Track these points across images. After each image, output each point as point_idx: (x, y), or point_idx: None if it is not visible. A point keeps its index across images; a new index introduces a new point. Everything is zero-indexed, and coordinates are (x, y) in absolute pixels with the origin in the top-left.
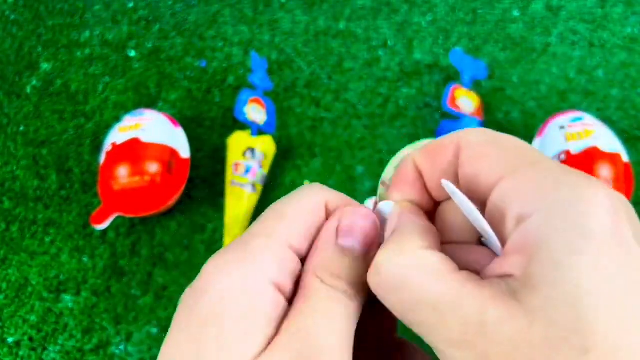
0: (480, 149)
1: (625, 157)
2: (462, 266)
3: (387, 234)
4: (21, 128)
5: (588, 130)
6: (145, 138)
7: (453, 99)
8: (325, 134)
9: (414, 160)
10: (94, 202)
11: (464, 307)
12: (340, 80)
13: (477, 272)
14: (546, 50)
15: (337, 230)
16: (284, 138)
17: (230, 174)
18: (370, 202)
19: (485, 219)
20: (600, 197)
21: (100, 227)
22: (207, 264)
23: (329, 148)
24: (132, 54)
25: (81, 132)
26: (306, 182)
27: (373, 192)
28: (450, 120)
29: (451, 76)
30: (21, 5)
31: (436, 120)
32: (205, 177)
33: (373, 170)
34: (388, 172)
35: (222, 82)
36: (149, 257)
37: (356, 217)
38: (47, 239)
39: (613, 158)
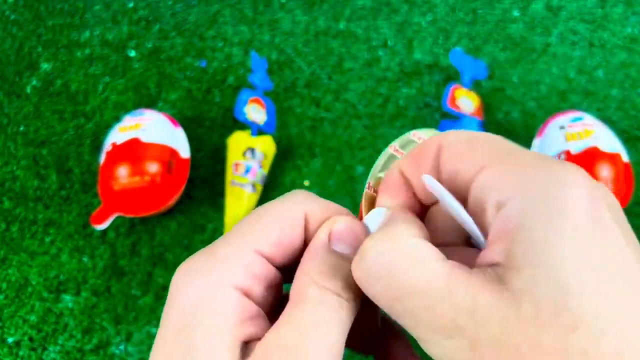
0: (458, 147)
1: (625, 157)
2: None
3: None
4: (21, 128)
5: (588, 130)
6: (145, 138)
7: (453, 99)
8: (325, 134)
9: (399, 167)
10: (94, 202)
11: (454, 295)
12: (340, 80)
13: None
14: (546, 50)
15: (329, 236)
16: (284, 138)
17: (230, 174)
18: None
19: (468, 213)
20: (575, 178)
21: (100, 227)
22: (175, 273)
23: (329, 148)
24: (132, 54)
25: (81, 132)
26: (306, 183)
27: (366, 181)
28: (450, 120)
29: (451, 76)
30: (21, 5)
31: (436, 120)
32: (205, 177)
33: None
34: (375, 171)
35: (222, 82)
36: (149, 257)
37: (348, 224)
38: (47, 239)
39: (613, 158)
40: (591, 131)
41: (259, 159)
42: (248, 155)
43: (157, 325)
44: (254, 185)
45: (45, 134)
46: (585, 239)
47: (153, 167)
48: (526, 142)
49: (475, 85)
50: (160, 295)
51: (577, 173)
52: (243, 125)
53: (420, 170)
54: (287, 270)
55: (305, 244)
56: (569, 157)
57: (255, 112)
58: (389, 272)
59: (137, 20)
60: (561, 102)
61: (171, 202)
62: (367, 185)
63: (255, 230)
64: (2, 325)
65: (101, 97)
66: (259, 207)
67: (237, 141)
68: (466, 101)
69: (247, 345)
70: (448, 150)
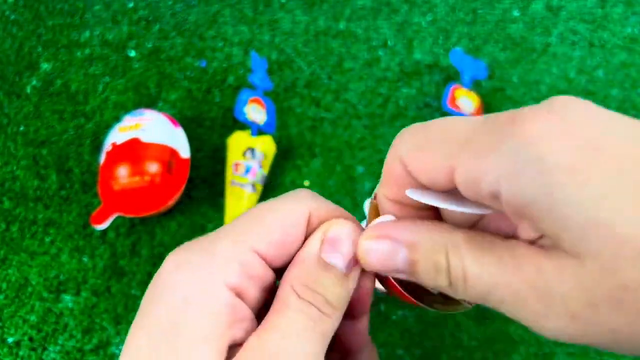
0: (418, 157)
1: None
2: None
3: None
4: (21, 128)
5: None
6: (145, 138)
7: (453, 99)
8: (325, 134)
9: (384, 195)
10: (94, 202)
11: (525, 273)
12: (340, 80)
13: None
14: (546, 50)
15: (321, 242)
16: (284, 138)
17: (230, 174)
18: (367, 203)
19: (466, 201)
20: (532, 125)
21: (100, 227)
22: (169, 259)
23: (329, 148)
24: (132, 54)
25: (81, 132)
26: (306, 183)
27: (373, 192)
28: None
29: (451, 76)
30: (21, 5)
31: None
32: (205, 177)
33: (373, 170)
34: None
35: (222, 82)
36: (149, 257)
37: (343, 230)
38: (47, 239)
39: None
40: None
41: (259, 159)
42: (248, 155)
43: None
44: (254, 185)
45: (45, 134)
46: (583, 175)
47: (153, 167)
48: None
49: (475, 85)
50: None
51: (533, 120)
52: (243, 125)
53: (399, 189)
54: (282, 270)
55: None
56: None
57: (255, 112)
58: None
59: (137, 20)
60: None
61: (171, 202)
62: (373, 196)
63: (256, 229)
64: (2, 325)
65: (101, 97)
66: (262, 204)
67: (237, 141)
68: (466, 101)
69: (232, 349)
70: (410, 162)
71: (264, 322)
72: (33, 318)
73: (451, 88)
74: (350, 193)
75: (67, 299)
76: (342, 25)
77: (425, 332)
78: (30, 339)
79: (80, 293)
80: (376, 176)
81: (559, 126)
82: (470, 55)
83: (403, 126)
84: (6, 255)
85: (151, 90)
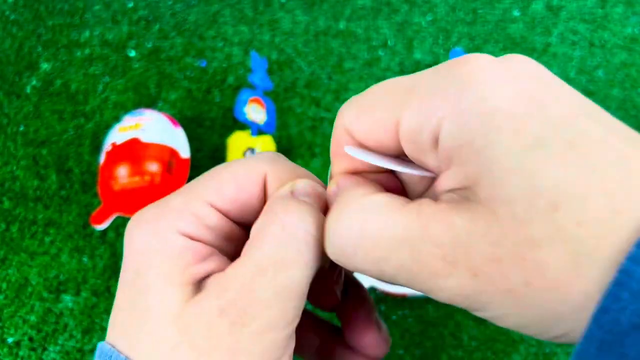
0: (362, 120)
1: None
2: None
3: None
4: (21, 128)
5: None
6: (145, 138)
7: None
8: (325, 134)
9: (337, 172)
10: (93, 202)
11: (430, 230)
12: (340, 80)
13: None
14: (546, 50)
15: (292, 193)
16: (284, 138)
17: None
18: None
19: (407, 161)
20: (481, 68)
21: (100, 227)
22: (129, 223)
23: (329, 148)
24: (132, 53)
25: (81, 132)
26: None
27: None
28: None
29: None
30: (21, 5)
31: None
32: None
33: None
34: None
35: (222, 82)
36: None
37: (311, 184)
38: (47, 239)
39: None
40: None
41: None
42: (248, 155)
43: None
44: None
45: (45, 134)
46: (521, 123)
47: (153, 167)
48: None
49: None
50: None
51: (483, 65)
52: (243, 125)
53: (348, 161)
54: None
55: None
56: None
57: (255, 112)
58: (362, 238)
59: (137, 20)
60: None
61: None
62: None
63: (209, 184)
64: (2, 325)
65: (101, 97)
66: (225, 163)
67: (237, 141)
68: None
69: (203, 281)
70: (355, 128)
71: (242, 254)
72: (33, 318)
73: None
74: None
75: (67, 299)
76: (342, 25)
77: (425, 332)
78: (30, 339)
79: (80, 293)
80: None
81: (507, 74)
82: None
83: None
84: (6, 255)
85: (151, 90)
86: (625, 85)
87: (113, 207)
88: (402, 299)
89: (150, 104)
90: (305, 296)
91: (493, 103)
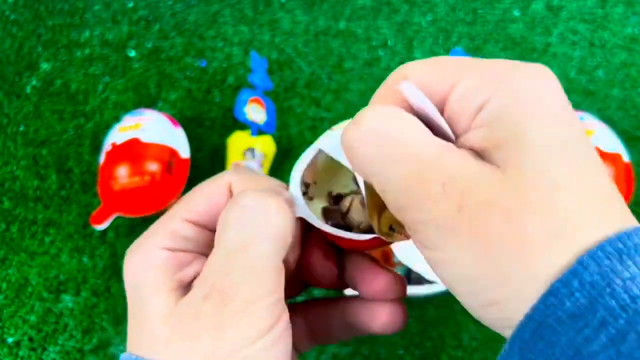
0: (426, 71)
1: (625, 157)
2: None
3: None
4: (21, 128)
5: (588, 130)
6: (145, 138)
7: None
8: None
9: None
10: (93, 202)
11: (444, 160)
12: (340, 80)
13: None
14: (546, 50)
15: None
16: (284, 138)
17: None
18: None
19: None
20: (544, 73)
21: (100, 227)
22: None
23: None
24: (132, 53)
25: (81, 132)
26: None
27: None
28: None
29: None
30: (21, 5)
31: None
32: (205, 177)
33: None
34: (298, 169)
35: (222, 82)
36: None
37: (276, 186)
38: (47, 239)
39: (613, 158)
40: (591, 131)
41: (259, 159)
42: (248, 155)
43: None
44: None
45: (45, 134)
46: (557, 120)
47: (153, 167)
48: None
49: None
50: None
51: (545, 68)
52: (243, 125)
53: (392, 99)
54: None
55: None
56: None
57: (255, 112)
58: (386, 134)
59: (137, 20)
60: None
61: (171, 202)
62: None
63: (184, 203)
64: (1, 325)
65: (101, 97)
66: (198, 185)
67: (237, 141)
68: None
69: (192, 283)
70: (414, 74)
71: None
72: (33, 318)
73: None
74: None
75: (67, 299)
76: (342, 25)
77: (425, 332)
78: (30, 339)
79: (80, 293)
80: None
81: (555, 87)
82: (470, 55)
83: None
84: (6, 255)
85: (151, 90)
86: (625, 85)
87: (113, 207)
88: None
89: (150, 104)
90: (281, 269)
91: (545, 102)
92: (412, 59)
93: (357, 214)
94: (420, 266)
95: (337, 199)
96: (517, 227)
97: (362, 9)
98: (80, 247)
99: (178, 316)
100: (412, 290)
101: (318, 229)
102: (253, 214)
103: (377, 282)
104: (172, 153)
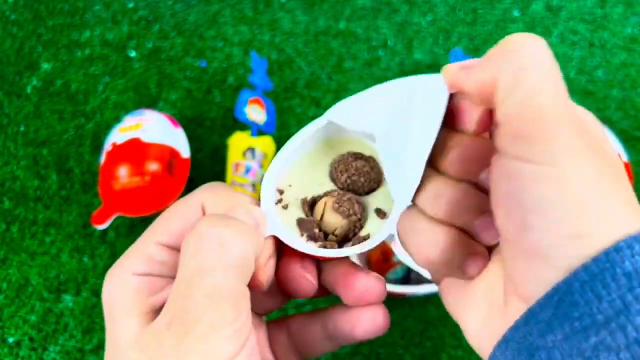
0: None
1: (624, 157)
2: None
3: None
4: (21, 128)
5: None
6: (145, 138)
7: None
8: None
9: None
10: (94, 202)
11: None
12: (340, 80)
13: None
14: None
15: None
16: (284, 138)
17: (230, 175)
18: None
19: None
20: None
21: (101, 227)
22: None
23: None
24: (132, 54)
25: (81, 132)
26: None
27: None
28: None
29: None
30: (21, 5)
31: None
32: (205, 177)
33: None
34: (269, 179)
35: (222, 82)
36: None
37: (246, 207)
38: (47, 239)
39: None
40: None
41: (259, 159)
42: (248, 156)
43: None
44: (254, 185)
45: (45, 134)
46: (570, 124)
47: (153, 167)
48: None
49: None
50: None
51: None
52: (243, 125)
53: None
54: None
55: None
56: None
57: (255, 112)
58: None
59: (137, 20)
60: None
61: (171, 202)
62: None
63: (157, 226)
64: (2, 325)
65: (101, 97)
66: (170, 206)
67: (237, 141)
68: None
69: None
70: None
71: None
72: (33, 318)
73: None
74: None
75: (68, 299)
76: (342, 25)
77: (425, 332)
78: (31, 339)
79: (81, 293)
80: None
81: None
82: (470, 55)
83: None
84: (6, 255)
85: (151, 90)
86: (625, 85)
87: (114, 207)
88: (402, 299)
89: (151, 104)
90: (242, 296)
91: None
92: (412, 59)
93: (331, 218)
94: None
95: (312, 205)
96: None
97: (362, 9)
98: (81, 247)
99: (145, 342)
100: (412, 290)
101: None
102: (209, 242)
103: (356, 285)
104: (173, 153)
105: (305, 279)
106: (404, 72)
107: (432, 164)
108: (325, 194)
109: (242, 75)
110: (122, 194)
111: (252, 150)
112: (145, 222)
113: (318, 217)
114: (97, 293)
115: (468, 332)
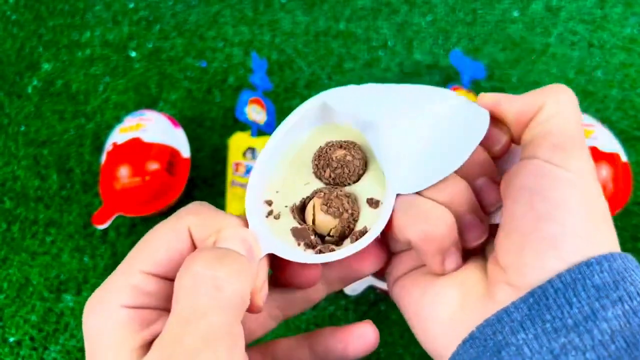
0: (520, 99)
1: (624, 157)
2: None
3: None
4: (22, 128)
5: (587, 131)
6: (146, 138)
7: None
8: None
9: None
10: (94, 202)
11: None
12: (340, 81)
13: None
14: (546, 51)
15: (214, 243)
16: None
17: (230, 174)
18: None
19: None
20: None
21: (102, 226)
22: (84, 307)
23: None
24: (133, 54)
25: (82, 132)
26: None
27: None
28: None
29: (451, 77)
30: (22, 5)
31: None
32: (205, 177)
33: None
34: (252, 197)
35: (222, 82)
36: None
37: (234, 232)
38: (48, 239)
39: (612, 158)
40: (590, 131)
41: None
42: (248, 156)
43: None
44: None
45: (46, 134)
46: (578, 148)
47: (154, 167)
48: None
49: (475, 86)
50: None
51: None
52: (243, 125)
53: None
54: None
55: None
56: None
57: (255, 112)
58: None
59: (137, 20)
60: None
61: (172, 202)
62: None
63: (142, 254)
64: (3, 325)
65: (102, 97)
66: (151, 230)
67: (238, 141)
68: None
69: (154, 343)
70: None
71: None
72: (34, 318)
73: (451, 88)
74: None
75: (68, 298)
76: (342, 26)
77: None
78: (31, 339)
79: (81, 293)
80: None
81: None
82: (470, 56)
83: None
84: (7, 255)
85: (152, 91)
86: (624, 85)
87: (114, 206)
88: None
89: (151, 104)
90: (237, 336)
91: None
92: (412, 59)
93: (323, 220)
94: None
95: (302, 209)
96: (549, 214)
97: (362, 10)
98: (81, 247)
99: None
100: None
101: None
102: (204, 284)
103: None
104: (173, 153)
105: (308, 268)
106: (403, 73)
107: None
108: (314, 193)
109: (242, 75)
110: (122, 193)
111: (252, 150)
112: (145, 222)
113: (310, 221)
114: None
115: (430, 330)
